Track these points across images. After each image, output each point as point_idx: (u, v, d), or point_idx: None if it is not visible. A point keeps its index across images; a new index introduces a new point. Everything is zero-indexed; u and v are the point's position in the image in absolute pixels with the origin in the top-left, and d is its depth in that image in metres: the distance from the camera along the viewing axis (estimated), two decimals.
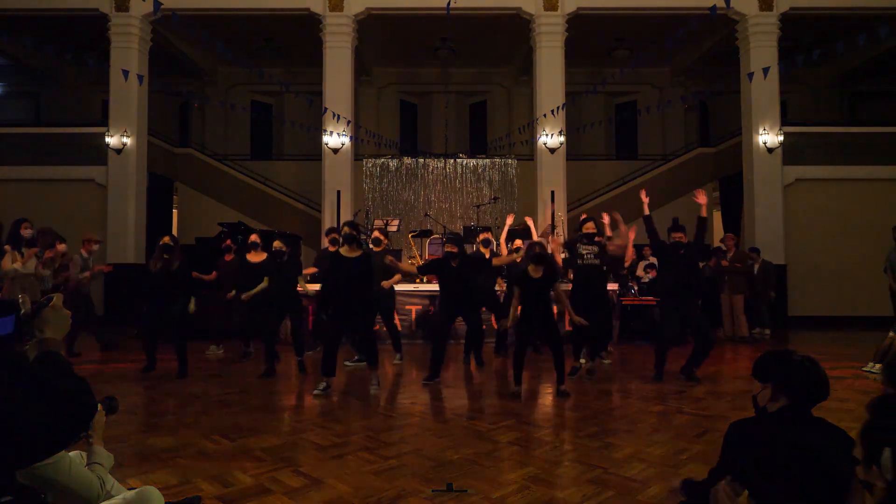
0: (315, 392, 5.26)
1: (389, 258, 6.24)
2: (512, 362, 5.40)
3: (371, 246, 6.86)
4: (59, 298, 1.42)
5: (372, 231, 7.49)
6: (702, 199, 5.94)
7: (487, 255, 6.95)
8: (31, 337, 1.34)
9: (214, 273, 8.07)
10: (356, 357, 6.97)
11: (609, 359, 7.06)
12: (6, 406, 1.08)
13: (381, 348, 7.22)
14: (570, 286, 6.39)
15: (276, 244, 6.39)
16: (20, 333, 1.34)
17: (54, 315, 1.38)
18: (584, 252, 6.14)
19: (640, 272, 9.85)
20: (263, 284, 6.49)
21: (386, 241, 7.27)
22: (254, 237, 7.42)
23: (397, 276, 6.70)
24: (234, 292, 7.29)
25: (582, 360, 6.21)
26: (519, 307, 5.43)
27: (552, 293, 5.40)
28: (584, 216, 6.52)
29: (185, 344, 6.22)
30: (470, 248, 10.58)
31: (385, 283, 6.61)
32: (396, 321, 8.60)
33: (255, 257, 7.26)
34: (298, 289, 6.58)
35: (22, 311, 1.36)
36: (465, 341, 7.28)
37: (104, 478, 2.03)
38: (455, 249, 5.85)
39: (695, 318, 5.86)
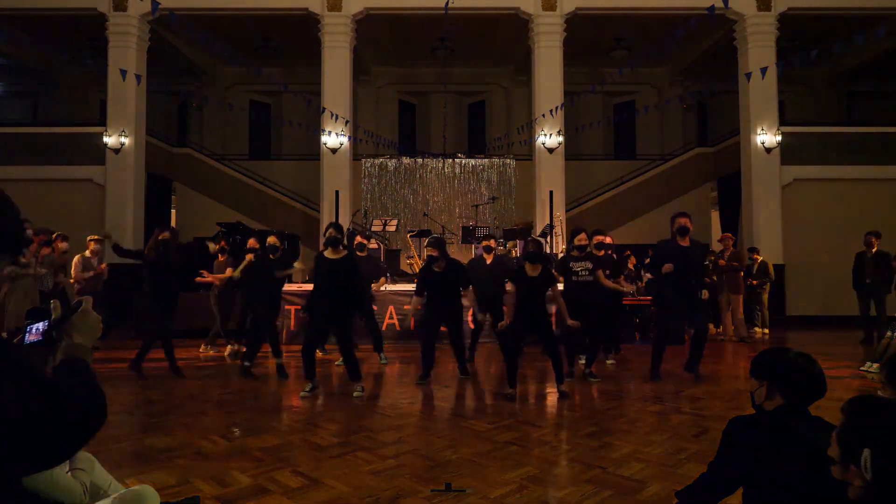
0: (301, 394, 5.23)
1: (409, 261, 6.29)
2: (506, 365, 5.32)
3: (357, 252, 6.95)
4: (88, 302, 1.40)
5: (367, 234, 7.58)
6: None
7: (489, 262, 6.82)
8: (61, 342, 1.32)
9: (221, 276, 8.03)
10: (382, 357, 7.05)
11: (612, 359, 7.07)
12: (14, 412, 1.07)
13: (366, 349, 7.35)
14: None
15: (271, 240, 6.24)
16: (51, 340, 1.33)
17: (83, 320, 1.36)
18: (578, 269, 6.04)
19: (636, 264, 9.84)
20: (234, 274, 6.51)
21: (369, 246, 7.41)
22: (251, 242, 7.37)
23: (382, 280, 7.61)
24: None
25: (581, 362, 6.21)
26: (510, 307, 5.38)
27: (549, 293, 5.38)
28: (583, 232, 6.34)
29: (171, 340, 6.12)
30: (469, 249, 10.65)
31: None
32: (393, 320, 8.64)
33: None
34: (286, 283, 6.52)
35: (52, 317, 1.34)
36: (469, 341, 7.25)
37: (86, 482, 2.03)
38: (435, 253, 5.69)
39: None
